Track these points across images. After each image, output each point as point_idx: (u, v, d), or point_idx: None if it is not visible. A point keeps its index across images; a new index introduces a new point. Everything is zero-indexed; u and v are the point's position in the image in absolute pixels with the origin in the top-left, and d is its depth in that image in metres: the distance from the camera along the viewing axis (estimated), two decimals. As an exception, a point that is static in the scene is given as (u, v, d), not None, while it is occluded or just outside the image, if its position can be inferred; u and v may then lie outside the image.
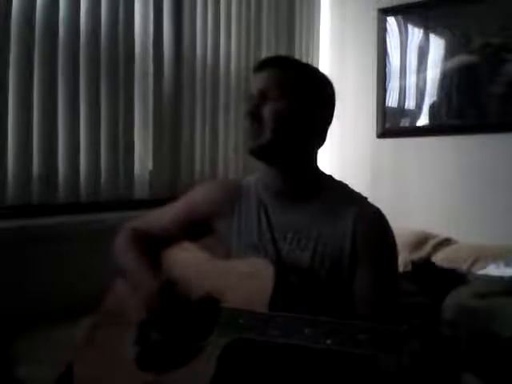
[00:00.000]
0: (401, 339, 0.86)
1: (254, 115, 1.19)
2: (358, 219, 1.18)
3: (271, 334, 0.98)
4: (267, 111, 1.18)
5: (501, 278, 2.13)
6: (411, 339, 0.85)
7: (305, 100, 1.20)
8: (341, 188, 1.27)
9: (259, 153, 1.22)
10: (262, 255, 1.21)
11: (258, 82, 1.22)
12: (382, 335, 0.88)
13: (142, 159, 2.39)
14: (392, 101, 3.13)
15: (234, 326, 1.04)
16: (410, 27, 3.05)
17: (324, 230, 1.19)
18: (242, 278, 1.12)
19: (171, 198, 1.44)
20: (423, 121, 3.05)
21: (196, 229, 1.35)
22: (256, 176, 1.35)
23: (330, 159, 3.11)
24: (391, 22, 3.11)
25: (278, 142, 1.19)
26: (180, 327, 1.17)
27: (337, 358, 1.02)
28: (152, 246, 1.35)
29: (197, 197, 1.37)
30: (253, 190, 1.31)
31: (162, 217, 1.40)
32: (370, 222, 1.19)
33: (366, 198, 1.25)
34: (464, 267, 2.41)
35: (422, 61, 2.99)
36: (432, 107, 3.00)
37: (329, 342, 0.93)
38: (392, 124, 3.14)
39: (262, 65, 1.24)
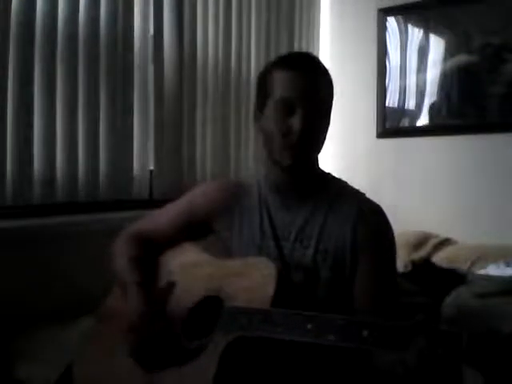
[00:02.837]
0: (405, 336, 0.86)
1: (289, 124, 1.15)
2: (359, 216, 1.19)
3: (273, 331, 0.98)
4: (310, 127, 1.15)
5: (501, 278, 2.13)
6: (415, 335, 0.85)
7: (331, 106, 1.22)
8: (342, 187, 1.28)
9: (292, 167, 1.19)
10: (265, 254, 1.21)
11: (295, 86, 1.15)
12: (386, 332, 0.88)
13: (142, 159, 2.39)
14: (392, 101, 3.13)
15: (236, 324, 1.04)
16: (409, 27, 3.05)
17: (325, 228, 1.20)
18: (244, 278, 1.12)
19: (172, 198, 1.43)
20: (423, 121, 3.05)
21: (197, 229, 1.35)
22: (258, 174, 1.34)
23: (330, 159, 3.11)
24: (391, 21, 3.11)
25: (312, 155, 1.21)
26: (180, 327, 1.16)
27: (340, 354, 1.02)
28: (151, 248, 1.34)
29: (197, 196, 1.36)
30: (255, 188, 1.31)
31: (162, 217, 1.39)
32: (370, 219, 1.20)
33: (363, 195, 1.27)
34: (464, 267, 2.41)
35: (422, 61, 2.99)
36: (432, 107, 3.00)
37: (332, 338, 0.92)
38: (392, 124, 3.14)
39: (296, 64, 1.18)
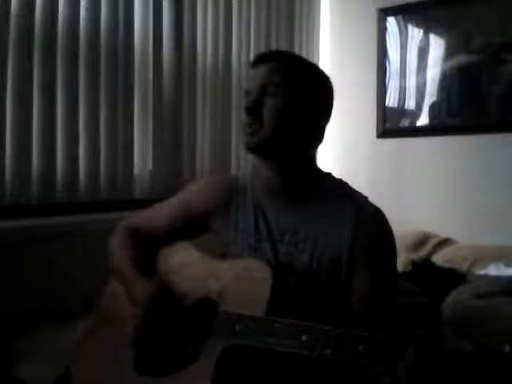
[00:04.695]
0: (402, 352, 0.85)
1: (253, 111, 1.16)
2: (358, 220, 1.16)
3: (268, 341, 0.97)
4: (266, 107, 1.16)
5: (501, 278, 2.13)
6: (412, 352, 0.84)
7: (304, 96, 1.18)
8: (340, 187, 1.25)
9: (257, 148, 1.19)
10: (260, 255, 1.20)
11: (256, 76, 1.19)
12: (383, 347, 0.87)
13: (142, 159, 2.39)
14: (392, 101, 3.13)
15: (232, 331, 1.03)
16: (409, 27, 3.05)
17: (322, 231, 1.17)
18: (239, 280, 1.11)
19: (170, 196, 1.43)
20: (423, 121, 3.05)
21: (194, 226, 1.34)
22: (251, 173, 1.33)
23: (330, 159, 3.11)
24: (391, 21, 3.11)
25: (276, 138, 1.16)
26: (175, 332, 1.16)
27: (334, 366, 1.01)
28: (148, 245, 1.34)
29: (194, 194, 1.35)
30: (249, 187, 1.29)
31: (158, 215, 1.38)
32: (370, 223, 1.17)
33: (366, 198, 1.23)
34: (464, 267, 2.41)
35: (422, 61, 2.99)
36: (432, 107, 3.00)
37: (327, 351, 0.91)
38: (392, 124, 3.14)
39: (261, 59, 1.21)
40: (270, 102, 1.16)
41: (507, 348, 0.77)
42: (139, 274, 1.25)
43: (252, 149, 1.19)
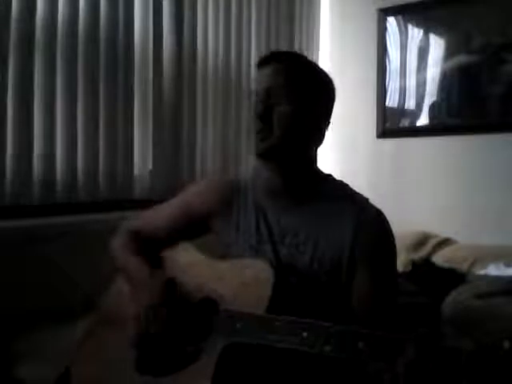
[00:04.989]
0: (402, 349, 0.85)
1: (263, 117, 1.17)
2: (359, 222, 1.16)
3: (269, 338, 0.98)
4: (275, 114, 1.16)
5: (501, 278, 2.13)
6: (412, 349, 0.85)
7: (307, 97, 1.19)
8: (341, 189, 1.26)
9: (265, 154, 1.19)
10: (261, 256, 1.19)
11: (261, 79, 1.20)
12: (383, 344, 0.88)
13: (142, 159, 2.39)
14: (392, 101, 3.13)
15: (232, 328, 1.03)
16: (409, 27, 3.05)
17: (323, 233, 1.18)
18: (241, 280, 1.11)
19: (171, 198, 1.43)
20: (423, 121, 3.05)
21: (193, 228, 1.34)
22: (252, 174, 1.34)
23: (330, 159, 3.11)
24: (391, 21, 3.11)
25: (284, 144, 1.17)
26: (177, 332, 1.16)
27: (334, 362, 1.01)
28: (150, 247, 1.34)
29: (193, 195, 1.36)
30: (250, 189, 1.29)
31: (158, 216, 1.38)
32: (371, 224, 1.17)
33: (367, 200, 1.24)
34: (464, 267, 2.41)
35: (422, 61, 3.00)
36: (432, 107, 3.00)
37: (327, 348, 0.92)
38: (392, 124, 3.14)
39: (268, 60, 1.21)
40: (277, 109, 1.16)
41: (506, 344, 0.77)
42: (146, 267, 1.26)
43: (262, 154, 1.20)
